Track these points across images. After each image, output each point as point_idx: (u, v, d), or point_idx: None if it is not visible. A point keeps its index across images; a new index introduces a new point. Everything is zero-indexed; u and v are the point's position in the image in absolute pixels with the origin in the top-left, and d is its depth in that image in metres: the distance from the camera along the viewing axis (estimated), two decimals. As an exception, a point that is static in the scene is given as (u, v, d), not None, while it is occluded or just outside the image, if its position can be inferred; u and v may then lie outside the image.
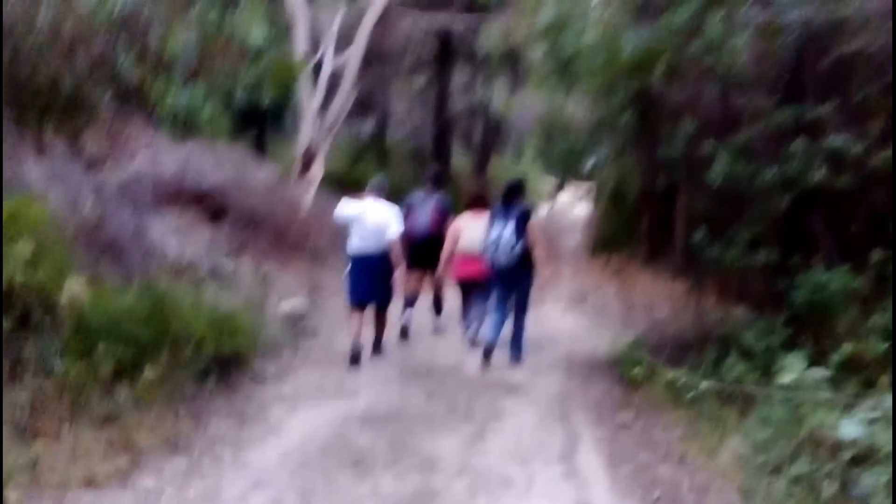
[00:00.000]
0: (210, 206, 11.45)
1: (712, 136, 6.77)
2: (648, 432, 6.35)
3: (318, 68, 14.62)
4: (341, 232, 9.09)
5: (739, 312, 7.86)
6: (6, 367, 5.37)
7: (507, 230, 7.99)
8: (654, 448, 6.01)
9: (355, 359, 8.25)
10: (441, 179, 10.32)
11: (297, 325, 9.68)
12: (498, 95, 23.10)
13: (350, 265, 8.58)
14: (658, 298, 10.55)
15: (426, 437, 6.15)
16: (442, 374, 8.10)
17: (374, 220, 8.35)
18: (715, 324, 7.76)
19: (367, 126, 21.55)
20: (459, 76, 22.26)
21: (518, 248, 7.99)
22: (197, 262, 9.90)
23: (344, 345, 8.91)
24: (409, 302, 9.64)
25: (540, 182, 37.76)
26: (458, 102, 22.16)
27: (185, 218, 10.95)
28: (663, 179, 8.25)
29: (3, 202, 5.89)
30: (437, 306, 10.13)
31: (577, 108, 8.66)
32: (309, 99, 14.27)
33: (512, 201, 8.26)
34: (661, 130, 7.18)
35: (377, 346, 8.83)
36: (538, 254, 8.25)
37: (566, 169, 7.86)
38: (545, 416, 6.78)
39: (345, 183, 19.27)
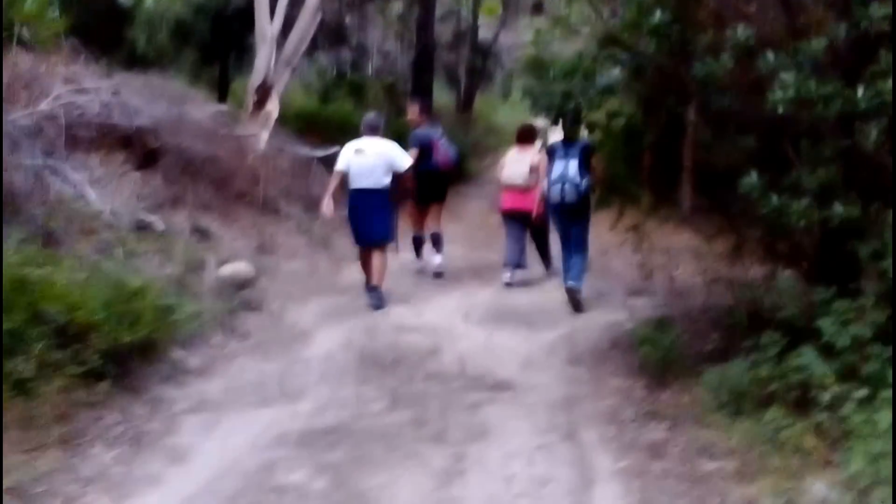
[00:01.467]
0: (140, 150, 9.57)
1: (772, 47, 4.97)
2: (691, 462, 4.60)
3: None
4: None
5: (792, 282, 6.08)
6: None
7: (572, 167, 7.87)
8: (702, 489, 4.27)
9: (376, 299, 8.05)
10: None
11: (240, 296, 7.90)
12: (486, 23, 21.07)
13: (349, 203, 8.36)
14: (677, 257, 8.80)
15: (381, 470, 4.45)
16: (413, 364, 6.37)
17: (372, 156, 8.22)
18: (765, 299, 5.96)
19: (337, 59, 19.42)
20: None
21: (583, 184, 7.85)
22: (118, 217, 8.10)
23: (296, 319, 7.60)
24: (418, 245, 9.67)
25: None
26: (440, 32, 20.08)
27: (109, 165, 9.08)
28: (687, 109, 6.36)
29: None
30: (438, 243, 9.58)
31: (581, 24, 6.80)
32: (266, 23, 12.27)
33: (573, 136, 8.01)
34: (698, 42, 5.38)
35: (374, 289, 8.18)
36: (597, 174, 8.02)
37: (562, 102, 5.97)
38: (544, 434, 5.04)
39: (313, 123, 17.44)
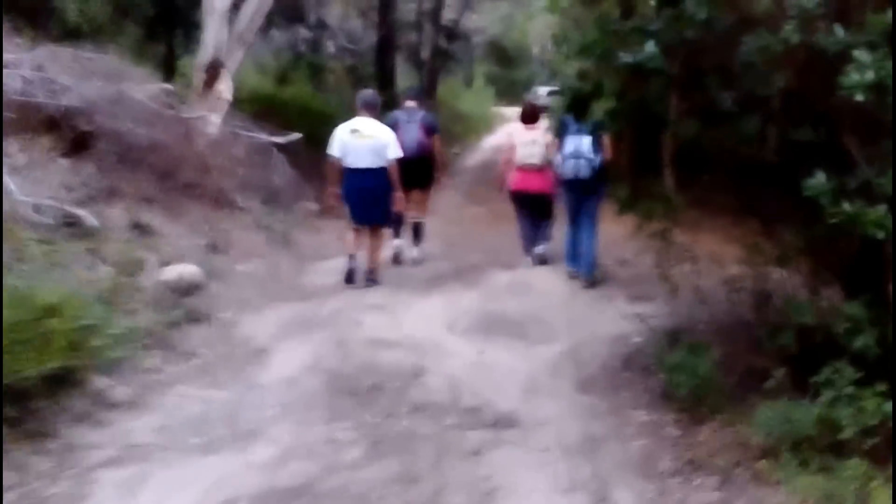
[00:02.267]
0: (69, 134, 8.33)
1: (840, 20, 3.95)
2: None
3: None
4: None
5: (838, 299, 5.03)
6: None
7: (585, 143, 7.81)
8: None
9: (350, 278, 7.92)
10: (422, 96, 10.17)
11: (184, 304, 6.75)
12: (451, 4, 19.93)
13: (346, 182, 8.07)
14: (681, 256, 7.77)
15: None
16: (394, 392, 5.21)
17: (368, 137, 7.99)
18: (812, 314, 4.91)
19: (295, 37, 18.17)
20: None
21: (597, 160, 7.85)
22: (42, 212, 6.92)
23: (252, 333, 6.46)
24: (397, 224, 8.99)
25: (489, 110, 35.07)
26: (404, 11, 18.91)
27: (32, 151, 7.86)
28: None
29: None
30: (418, 235, 9.30)
31: None
32: (214, -5, 11.04)
33: (580, 113, 7.71)
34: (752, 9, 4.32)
35: (370, 272, 8.08)
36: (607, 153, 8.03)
37: (578, 83, 4.84)
38: (569, 494, 3.94)
39: (270, 107, 16.26)
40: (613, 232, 10.33)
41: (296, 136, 11.39)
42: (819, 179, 3.92)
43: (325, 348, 5.99)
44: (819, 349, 4.36)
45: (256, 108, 14.80)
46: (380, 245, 8.28)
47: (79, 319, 4.99)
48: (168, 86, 10.05)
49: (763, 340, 4.91)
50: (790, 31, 3.90)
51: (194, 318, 6.51)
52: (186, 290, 7.10)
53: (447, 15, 21.28)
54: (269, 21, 16.31)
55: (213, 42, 11.00)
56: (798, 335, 4.62)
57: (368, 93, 8.69)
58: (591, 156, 7.83)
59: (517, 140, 8.88)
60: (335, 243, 10.07)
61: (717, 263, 6.29)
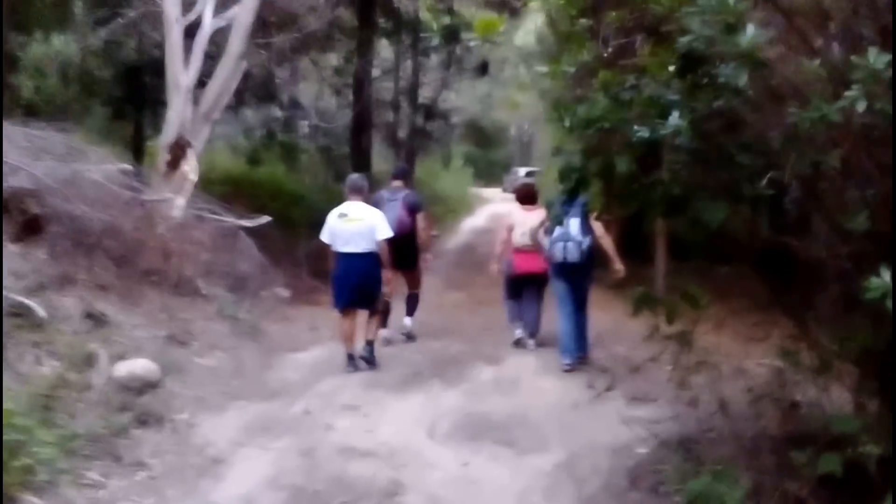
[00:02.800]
0: (19, 217, 7.74)
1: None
2: None
3: (192, 31, 10.90)
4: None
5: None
6: None
7: (574, 225, 7.71)
8: None
9: (353, 364, 7.78)
10: (408, 175, 10.11)
11: (136, 404, 6.07)
12: (431, 80, 19.63)
13: (336, 267, 8.03)
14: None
15: None
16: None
17: (356, 220, 7.96)
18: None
19: (267, 117, 17.72)
20: (384, 53, 18.65)
21: (586, 242, 7.71)
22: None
23: (209, 438, 5.75)
24: (384, 315, 8.84)
25: (467, 191, 34.72)
26: (380, 90, 18.56)
27: (-25, 235, 7.25)
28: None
29: None
30: (411, 306, 9.30)
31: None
32: (179, 71, 10.56)
33: (575, 195, 7.02)
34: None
35: (369, 355, 7.95)
36: (606, 245, 8.03)
37: (583, 162, 4.16)
38: None
39: (241, 188, 15.82)
40: (602, 320, 9.81)
41: (265, 219, 10.82)
42: (884, 279, 3.23)
43: (289, 458, 5.30)
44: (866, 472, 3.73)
45: (228, 189, 14.34)
46: (375, 322, 8.17)
47: (10, 429, 4.35)
48: (127, 166, 9.47)
49: (798, 464, 4.22)
50: (854, 98, 3.28)
51: (146, 420, 5.83)
52: (140, 388, 6.44)
53: (424, 94, 20.96)
54: (240, 99, 15.89)
55: (177, 120, 10.52)
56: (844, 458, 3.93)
57: (355, 177, 8.71)
58: (580, 238, 7.66)
59: (516, 221, 8.68)
60: (306, 334, 9.45)
61: (734, 364, 5.70)
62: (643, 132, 3.69)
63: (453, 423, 6.09)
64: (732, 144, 3.80)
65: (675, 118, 3.62)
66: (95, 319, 7.32)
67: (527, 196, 8.99)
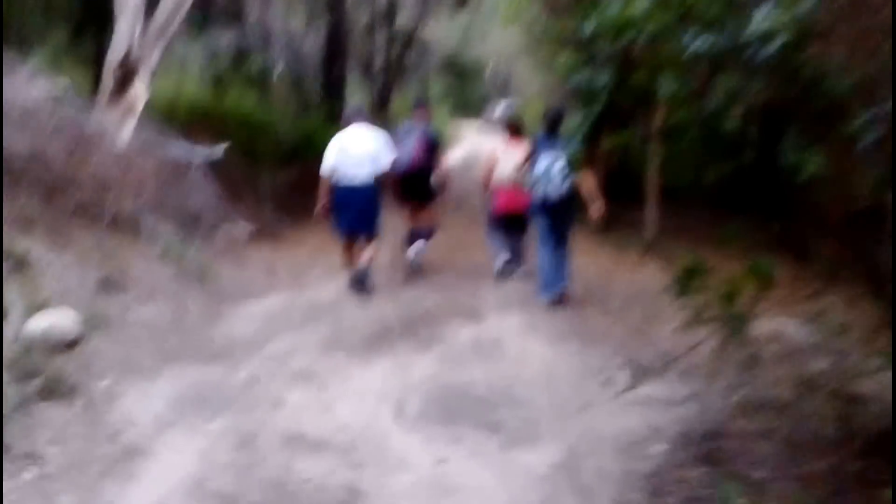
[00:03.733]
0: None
1: None
2: None
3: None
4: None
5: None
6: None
7: (557, 162, 7.56)
8: None
9: (360, 285, 7.85)
10: (428, 107, 9.73)
11: (49, 368, 5.09)
12: (409, 6, 18.38)
13: (337, 195, 7.90)
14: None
15: None
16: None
17: (360, 147, 7.88)
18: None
19: (236, 40, 16.42)
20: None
21: (569, 180, 7.57)
22: None
23: (130, 416, 4.77)
24: (412, 237, 8.81)
25: (447, 126, 33.48)
26: (355, 16, 17.28)
27: None
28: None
29: None
30: (413, 238, 8.82)
31: None
32: (128, -19, 9.35)
33: (556, 132, 7.88)
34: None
35: (364, 281, 7.89)
36: (588, 184, 7.77)
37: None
38: None
39: (208, 116, 14.65)
40: (589, 268, 8.93)
41: (220, 148, 9.72)
42: None
43: (223, 449, 4.31)
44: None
45: (193, 118, 13.26)
46: (374, 251, 8.08)
47: None
48: (64, 82, 8.30)
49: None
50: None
51: (55, 390, 4.84)
52: (56, 346, 5.47)
53: (402, 21, 19.70)
54: (205, 21, 14.65)
55: (125, 38, 9.33)
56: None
57: (354, 104, 9.30)
58: (564, 174, 7.54)
59: (500, 157, 8.58)
60: (263, 278, 8.47)
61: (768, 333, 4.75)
62: (703, 41, 2.67)
63: (426, 399, 5.12)
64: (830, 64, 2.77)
65: (762, 17, 2.59)
66: (16, 261, 6.32)
67: (514, 128, 8.84)
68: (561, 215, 7.68)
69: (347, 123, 8.10)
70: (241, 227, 9.87)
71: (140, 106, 9.28)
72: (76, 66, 13.16)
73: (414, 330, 6.67)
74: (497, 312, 7.33)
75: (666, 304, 7.55)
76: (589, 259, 9.72)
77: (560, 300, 7.59)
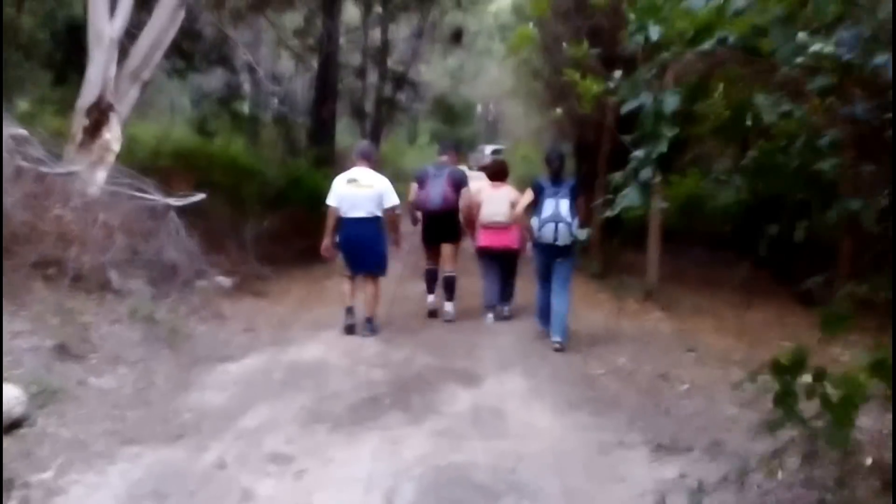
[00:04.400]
0: None
1: None
2: None
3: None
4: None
5: None
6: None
7: (563, 207, 7.61)
8: None
9: (350, 329, 7.95)
10: (458, 149, 10.04)
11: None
12: (401, 49, 17.87)
13: (343, 232, 7.98)
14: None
15: None
16: None
17: (367, 186, 7.92)
18: None
19: (225, 82, 15.90)
20: (350, 14, 16.87)
21: (575, 225, 7.56)
22: None
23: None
24: (430, 280, 9.14)
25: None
26: (346, 56, 16.78)
27: None
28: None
29: None
30: (449, 288, 8.96)
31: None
32: (103, 19, 8.76)
33: (560, 175, 7.89)
34: None
35: (369, 320, 8.05)
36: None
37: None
38: None
39: (194, 161, 14.19)
40: (590, 318, 8.51)
41: (197, 196, 9.07)
42: None
43: None
44: None
45: (178, 163, 12.79)
46: (377, 293, 8.17)
47: None
48: (23, 132, 7.66)
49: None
50: None
51: (-10, 483, 4.16)
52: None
53: (394, 63, 19.20)
54: (190, 63, 14.13)
55: (99, 79, 8.79)
56: None
57: (364, 144, 9.08)
58: (570, 220, 7.56)
59: (484, 197, 8.76)
60: (240, 337, 7.80)
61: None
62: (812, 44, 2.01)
63: (419, 487, 4.42)
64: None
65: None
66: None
67: (497, 173, 9.03)
68: (565, 258, 7.73)
69: (355, 162, 8.16)
70: (220, 281, 9.24)
71: (114, 151, 8.67)
72: (58, 113, 12.74)
73: (405, 397, 5.99)
74: (496, 374, 6.70)
75: (676, 359, 7.04)
76: (590, 309, 9.20)
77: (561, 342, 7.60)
